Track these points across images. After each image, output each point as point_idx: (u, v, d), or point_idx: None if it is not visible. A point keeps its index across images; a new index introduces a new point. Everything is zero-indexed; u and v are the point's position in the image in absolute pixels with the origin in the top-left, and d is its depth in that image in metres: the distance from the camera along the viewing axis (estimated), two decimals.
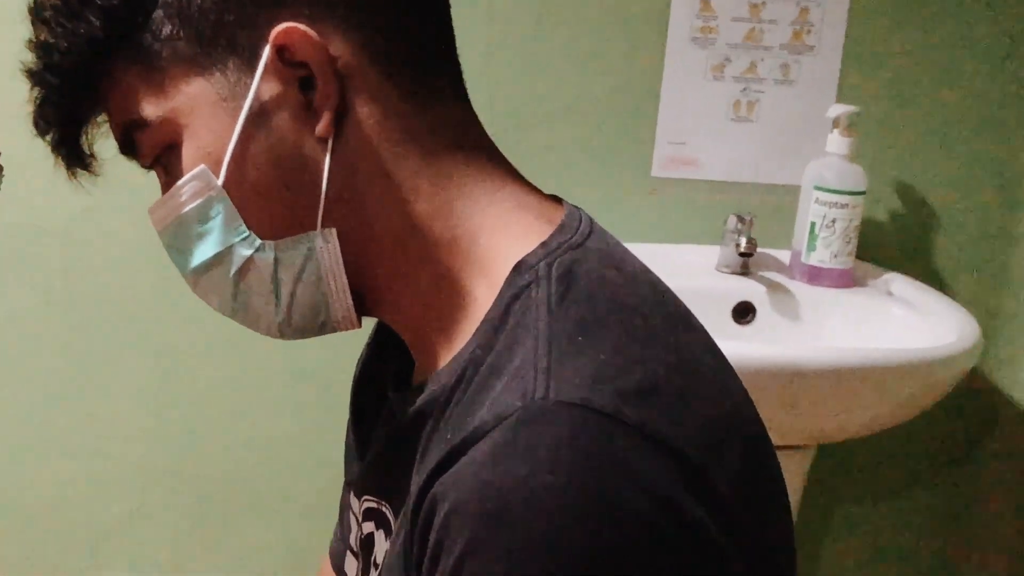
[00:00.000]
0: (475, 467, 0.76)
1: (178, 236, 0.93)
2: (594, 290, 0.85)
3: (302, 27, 0.86)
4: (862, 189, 2.12)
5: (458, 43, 0.94)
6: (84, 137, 0.96)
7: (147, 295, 2.15)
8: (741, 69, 2.21)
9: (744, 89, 2.22)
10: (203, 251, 0.92)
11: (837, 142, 2.12)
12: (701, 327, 0.91)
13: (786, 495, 0.91)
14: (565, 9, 2.13)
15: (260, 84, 0.87)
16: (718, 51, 2.19)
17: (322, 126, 0.88)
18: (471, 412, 0.81)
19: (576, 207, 0.94)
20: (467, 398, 0.83)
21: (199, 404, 2.23)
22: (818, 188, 2.12)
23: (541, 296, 0.84)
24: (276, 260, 0.91)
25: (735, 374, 0.91)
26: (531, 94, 2.15)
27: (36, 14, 0.91)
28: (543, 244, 0.87)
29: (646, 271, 0.92)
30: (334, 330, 0.96)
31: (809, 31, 2.21)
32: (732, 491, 0.80)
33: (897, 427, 2.03)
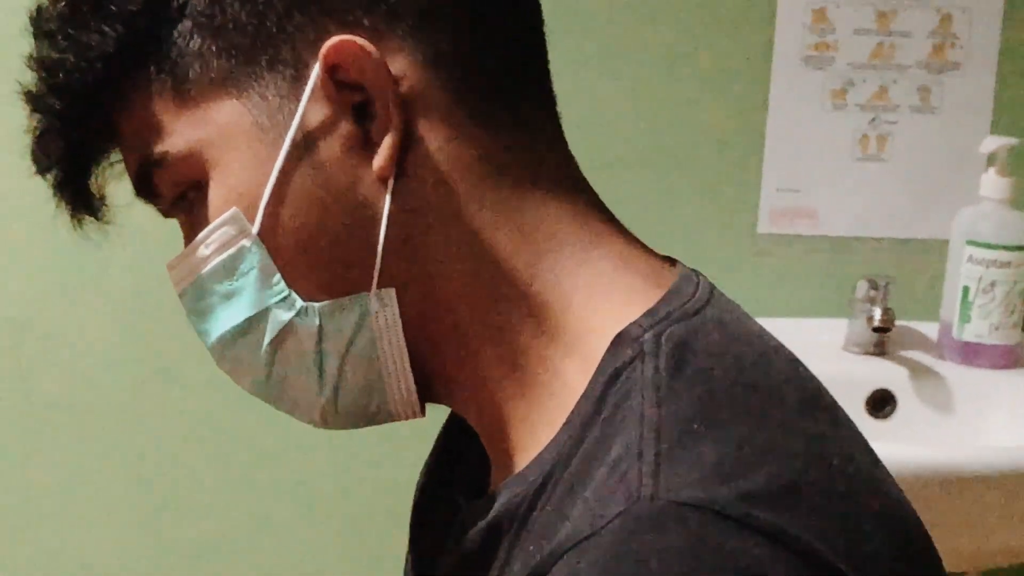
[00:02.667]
0: None
1: (201, 297, 0.95)
2: (714, 367, 0.85)
3: (359, 41, 0.87)
4: None
5: None
6: (94, 176, 0.97)
7: (127, 397, 2.20)
8: (868, 95, 2.23)
9: (872, 120, 2.23)
10: (232, 315, 0.94)
11: (993, 184, 2.13)
12: (848, 418, 0.91)
13: None
14: (641, 27, 2.19)
15: (306, 111, 0.89)
16: (838, 73, 2.22)
17: (381, 163, 0.88)
18: (560, 520, 0.82)
19: (693, 270, 0.95)
20: (554, 503, 0.84)
21: (202, 536, 2.27)
22: (971, 243, 2.14)
23: (648, 374, 0.83)
24: (321, 327, 0.92)
25: (891, 476, 0.90)
26: (602, 133, 2.19)
27: (38, 26, 0.93)
28: (649, 312, 0.87)
29: (780, 347, 0.92)
30: (390, 418, 0.96)
31: (954, 44, 2.22)
32: None
33: None
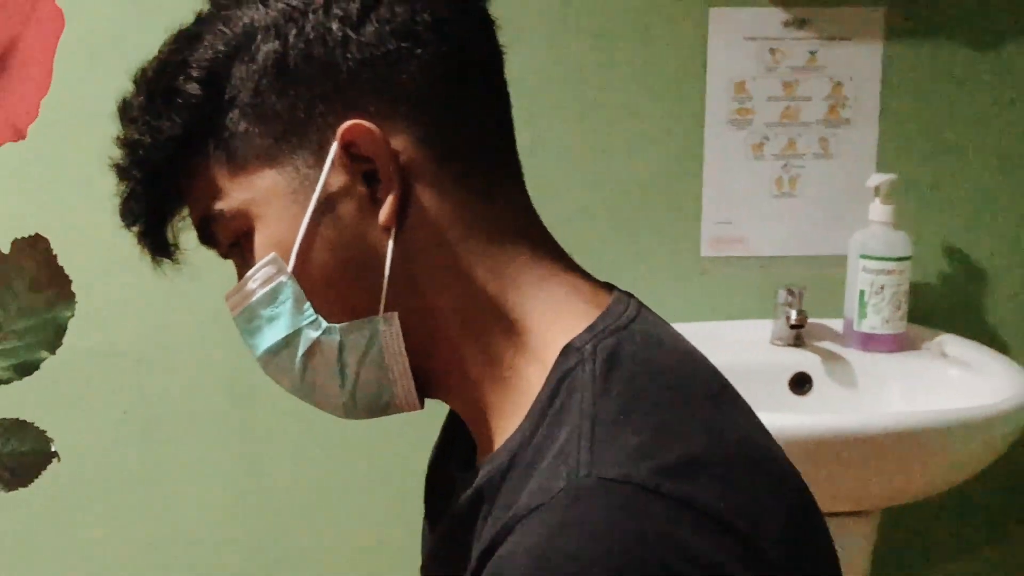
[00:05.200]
0: (525, 544, 0.85)
1: (251, 320, 1.03)
2: (637, 370, 0.94)
3: (367, 124, 0.96)
4: (908, 254, 2.31)
5: None
6: (169, 229, 1.06)
7: (224, 409, 2.37)
8: (780, 147, 2.38)
9: (785, 166, 2.39)
10: (273, 334, 1.01)
11: (879, 210, 2.31)
12: (745, 404, 1.01)
13: (836, 558, 1.01)
14: (605, 95, 2.34)
15: (328, 177, 0.97)
16: (756, 131, 2.37)
17: (385, 216, 0.97)
18: (520, 491, 0.90)
19: (627, 293, 1.04)
20: (516, 478, 0.92)
21: (286, 526, 2.42)
22: (864, 256, 2.31)
23: (586, 377, 0.93)
24: (341, 343, 1.00)
25: (779, 446, 1.00)
26: (578, 180, 2.34)
27: (123, 113, 1.03)
28: (589, 327, 0.97)
29: (691, 350, 1.02)
30: (398, 410, 1.05)
31: (844, 104, 2.37)
32: (781, 556, 0.88)
33: (964, 486, 2.20)
